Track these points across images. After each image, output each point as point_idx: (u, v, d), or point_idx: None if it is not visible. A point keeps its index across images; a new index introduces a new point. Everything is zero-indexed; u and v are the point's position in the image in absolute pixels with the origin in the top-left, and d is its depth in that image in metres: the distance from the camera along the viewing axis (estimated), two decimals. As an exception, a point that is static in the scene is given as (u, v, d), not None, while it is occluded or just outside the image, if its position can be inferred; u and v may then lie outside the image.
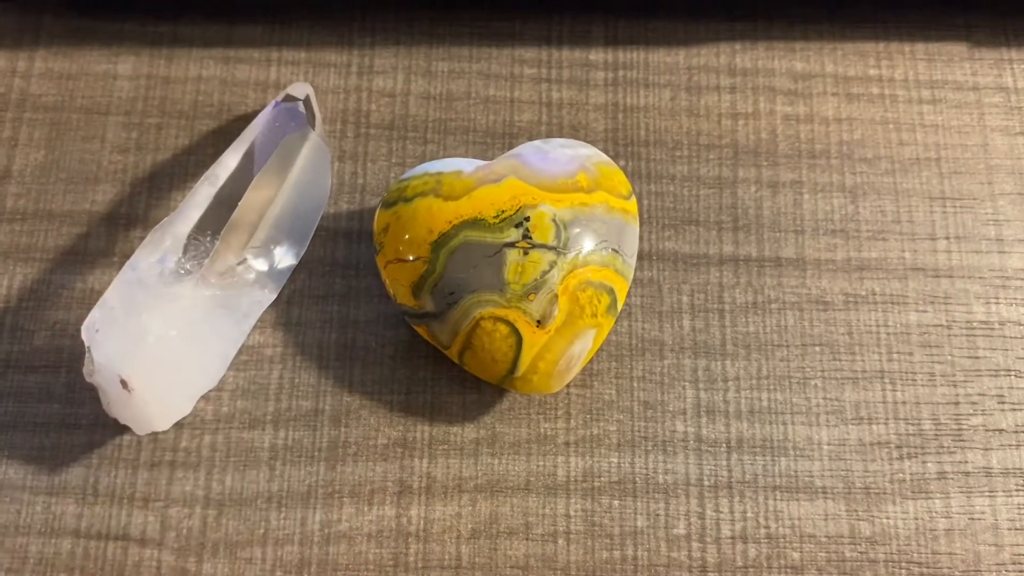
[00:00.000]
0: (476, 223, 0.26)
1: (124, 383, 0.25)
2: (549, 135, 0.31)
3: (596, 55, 0.32)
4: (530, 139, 0.31)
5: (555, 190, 0.26)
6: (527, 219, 0.26)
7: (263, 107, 0.30)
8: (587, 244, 0.26)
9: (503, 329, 0.26)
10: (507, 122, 0.31)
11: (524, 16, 0.32)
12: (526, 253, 0.26)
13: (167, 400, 0.26)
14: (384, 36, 0.32)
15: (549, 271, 0.26)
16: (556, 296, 0.26)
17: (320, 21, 0.32)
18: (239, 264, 0.27)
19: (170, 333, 0.25)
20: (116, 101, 0.31)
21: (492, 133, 0.31)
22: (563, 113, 0.31)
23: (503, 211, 0.26)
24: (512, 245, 0.26)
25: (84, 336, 0.26)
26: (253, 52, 0.32)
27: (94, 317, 0.25)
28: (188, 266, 0.26)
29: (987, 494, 0.27)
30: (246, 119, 0.31)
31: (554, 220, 0.26)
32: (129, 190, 0.30)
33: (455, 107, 0.31)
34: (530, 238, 0.26)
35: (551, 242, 0.26)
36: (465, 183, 0.27)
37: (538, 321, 0.26)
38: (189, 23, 0.32)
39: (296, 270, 0.29)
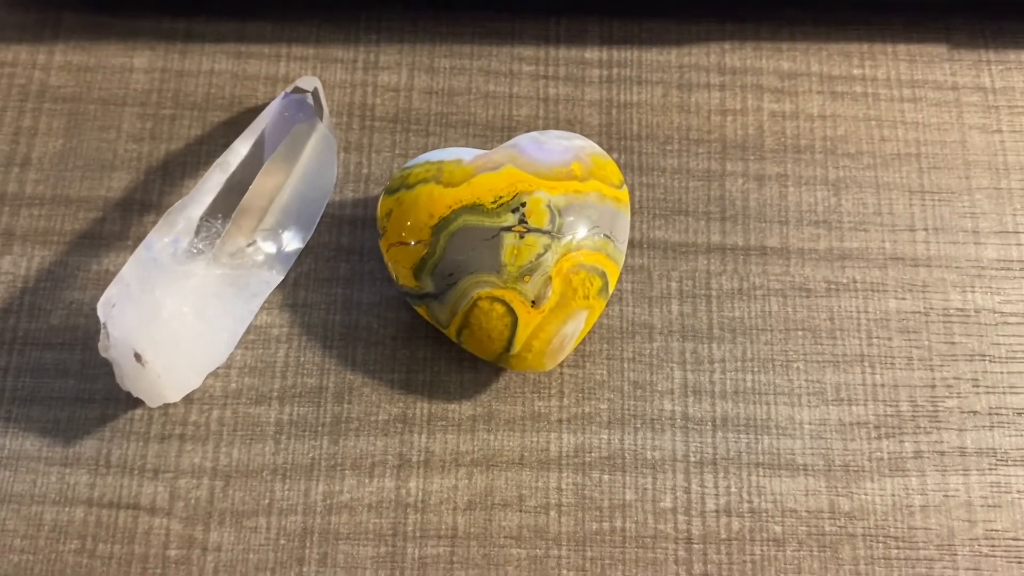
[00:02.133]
0: (475, 208, 0.27)
1: (138, 357, 0.26)
2: (546, 129, 0.32)
3: (591, 53, 0.33)
4: (528, 132, 0.32)
5: (550, 178, 0.28)
6: (523, 205, 0.27)
7: (272, 100, 0.32)
8: (580, 229, 0.27)
9: (499, 309, 0.27)
10: (506, 116, 0.33)
11: (523, 16, 0.34)
12: (522, 237, 0.27)
13: (178, 374, 0.27)
14: (389, 34, 0.34)
15: (544, 254, 0.27)
16: (550, 278, 0.27)
17: (328, 19, 0.34)
18: (249, 246, 0.28)
19: (183, 309, 0.27)
20: (132, 93, 0.33)
21: (491, 126, 0.32)
22: (559, 108, 0.33)
23: (500, 197, 0.27)
24: (509, 229, 0.27)
25: (100, 312, 0.27)
26: (264, 48, 0.33)
27: (110, 293, 0.27)
28: (200, 246, 0.27)
29: (961, 472, 0.29)
30: (256, 111, 0.32)
31: (549, 206, 0.27)
32: (143, 177, 0.32)
33: (456, 101, 0.33)
34: (526, 223, 0.27)
35: (546, 227, 0.27)
36: (465, 171, 0.28)
37: (533, 301, 0.27)
38: (203, 20, 0.34)
39: (302, 254, 0.30)
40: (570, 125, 0.32)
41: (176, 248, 0.27)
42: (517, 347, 0.27)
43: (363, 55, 0.33)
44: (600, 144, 0.32)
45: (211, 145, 0.32)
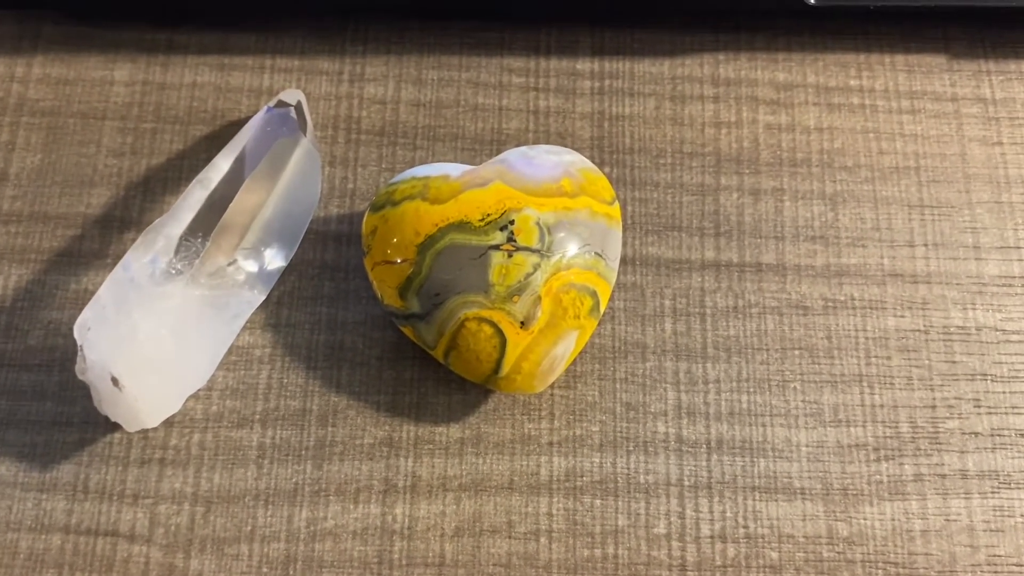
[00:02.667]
0: (462, 226, 0.26)
1: (115, 380, 0.26)
2: (536, 142, 0.32)
3: (583, 65, 0.33)
4: (517, 146, 0.31)
5: (540, 194, 0.27)
6: (512, 222, 0.26)
7: (255, 114, 0.31)
8: (570, 247, 0.27)
9: (487, 330, 0.26)
10: (495, 129, 0.32)
11: (513, 26, 0.33)
12: (510, 255, 0.26)
13: (157, 398, 0.26)
14: (376, 45, 0.33)
15: (533, 273, 0.26)
16: (539, 298, 0.26)
17: (313, 30, 0.33)
18: (229, 265, 0.28)
19: (160, 332, 0.26)
20: (112, 106, 0.32)
21: (480, 140, 0.32)
22: (550, 121, 0.32)
23: (488, 214, 0.27)
24: (497, 248, 0.26)
25: (76, 334, 0.26)
26: (247, 60, 0.33)
27: (86, 316, 0.26)
28: (179, 266, 0.27)
29: (963, 496, 0.28)
30: (239, 125, 0.31)
31: (538, 224, 0.26)
32: (123, 193, 0.31)
33: (444, 114, 0.32)
34: (514, 241, 0.26)
35: (535, 245, 0.26)
36: (452, 187, 0.27)
37: (522, 322, 0.26)
38: (185, 31, 0.33)
39: (286, 272, 0.30)
40: (561, 138, 0.32)
41: (154, 268, 0.26)
42: (506, 369, 0.26)
43: (349, 67, 0.33)
44: (592, 158, 0.31)
45: (193, 160, 0.31)
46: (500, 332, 0.26)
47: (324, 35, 0.33)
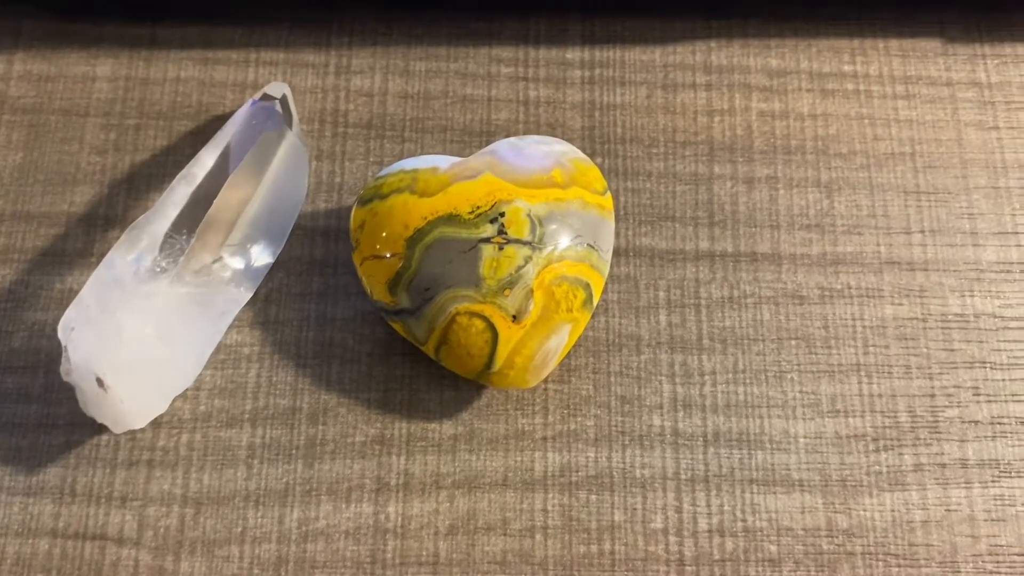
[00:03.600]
0: (451, 219, 0.26)
1: (100, 381, 0.25)
2: (526, 133, 0.31)
3: (573, 54, 0.32)
4: (507, 137, 0.31)
5: (530, 186, 0.26)
6: (502, 215, 0.26)
7: (241, 107, 0.30)
8: (562, 239, 0.26)
9: (479, 324, 0.26)
10: (484, 120, 0.31)
11: (501, 15, 0.33)
12: (501, 248, 0.26)
13: (143, 398, 0.26)
14: (362, 36, 0.32)
15: (524, 266, 0.26)
16: (531, 291, 0.26)
17: (298, 22, 0.32)
18: (215, 262, 0.27)
19: (145, 331, 0.25)
20: (95, 103, 0.32)
21: (469, 131, 0.31)
22: (540, 111, 0.31)
23: (478, 207, 0.26)
24: (487, 240, 0.26)
25: (60, 335, 0.26)
26: (231, 53, 0.32)
27: (69, 316, 0.26)
28: (164, 264, 0.26)
29: (963, 485, 0.27)
30: (224, 119, 0.31)
31: (529, 215, 0.26)
32: (107, 191, 0.30)
33: (432, 106, 0.31)
34: (505, 233, 0.26)
35: (526, 237, 0.26)
36: (440, 179, 0.27)
37: (514, 316, 0.26)
38: (168, 25, 0.32)
39: (274, 268, 0.29)
40: (551, 128, 0.31)
41: (139, 266, 0.26)
42: (498, 364, 0.26)
43: (335, 59, 0.32)
44: (583, 148, 0.31)
45: (177, 156, 0.31)
46: (492, 326, 0.26)
47: (309, 27, 0.32)
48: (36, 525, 0.27)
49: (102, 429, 0.28)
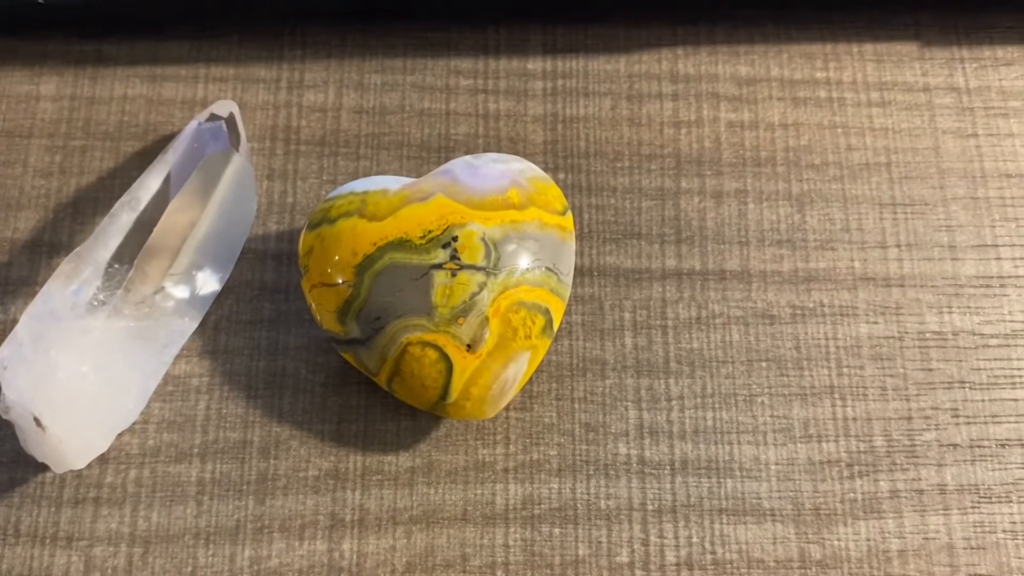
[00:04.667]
0: (402, 244, 0.25)
1: (37, 421, 0.24)
2: (486, 148, 0.30)
3: (534, 64, 0.31)
4: (467, 152, 0.30)
5: (485, 207, 0.25)
6: (455, 239, 0.25)
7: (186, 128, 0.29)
8: (519, 263, 0.25)
9: (432, 354, 0.25)
10: (443, 135, 0.30)
11: (460, 25, 0.31)
12: (454, 275, 0.25)
13: (82, 437, 0.25)
14: (315, 49, 0.31)
15: (479, 293, 0.25)
16: (487, 319, 0.25)
17: (249, 35, 0.31)
18: (156, 293, 0.26)
19: (82, 368, 0.24)
20: (39, 123, 0.30)
21: (427, 147, 0.30)
22: (500, 125, 0.30)
23: (430, 231, 0.25)
24: (439, 267, 0.25)
25: (-3, 371, 0.25)
26: (180, 69, 0.31)
27: (3, 353, 0.24)
28: (102, 297, 0.25)
29: (941, 512, 0.26)
30: (173, 139, 0.30)
31: (483, 239, 0.25)
32: (52, 216, 0.29)
33: (388, 121, 0.30)
34: (458, 259, 0.25)
35: (480, 262, 0.25)
36: (391, 202, 0.26)
37: (468, 345, 0.24)
38: (114, 41, 0.31)
39: (223, 295, 0.28)
40: (512, 143, 0.30)
41: (76, 299, 0.25)
42: (454, 395, 0.25)
43: (287, 73, 0.31)
44: (545, 163, 0.30)
45: (125, 178, 0.30)
46: (445, 356, 0.25)
47: (260, 41, 0.31)
48: (-22, 568, 0.26)
49: (47, 467, 0.27)
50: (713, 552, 0.26)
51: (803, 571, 0.26)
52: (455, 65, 0.31)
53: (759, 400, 0.27)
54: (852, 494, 0.26)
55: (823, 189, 0.29)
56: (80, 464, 0.25)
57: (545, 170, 0.29)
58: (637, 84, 0.31)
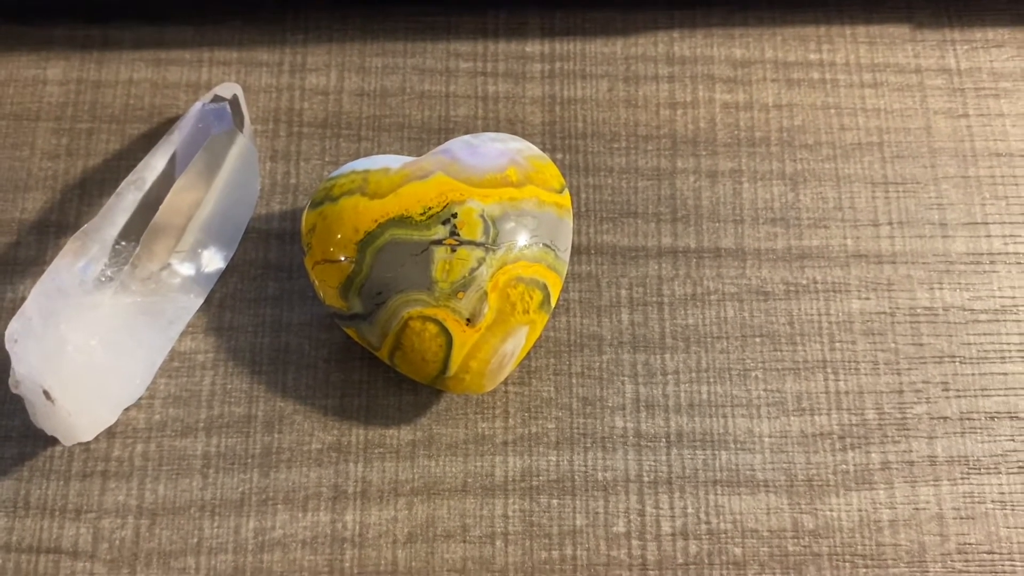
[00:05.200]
0: (402, 221, 0.25)
1: (47, 394, 0.25)
2: (485, 129, 0.31)
3: (532, 47, 0.31)
4: (466, 133, 0.30)
5: (483, 185, 0.26)
6: (454, 215, 0.25)
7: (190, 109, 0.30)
8: (517, 240, 0.26)
9: (432, 328, 0.25)
10: (443, 117, 0.31)
11: (459, 9, 0.32)
12: (453, 250, 0.25)
13: (91, 410, 0.25)
14: (317, 33, 0.32)
15: (478, 268, 0.25)
16: (486, 293, 0.25)
17: (252, 20, 0.32)
18: (162, 270, 0.27)
19: (90, 343, 0.25)
20: (46, 107, 0.31)
21: (427, 128, 0.31)
22: (499, 107, 0.31)
23: (430, 208, 0.25)
24: (439, 243, 0.25)
25: (7, 346, 0.25)
26: (184, 53, 0.31)
27: (13, 328, 0.25)
28: (109, 273, 0.26)
29: (932, 483, 0.27)
30: (178, 120, 0.30)
31: (482, 216, 0.25)
32: (60, 197, 0.30)
33: (389, 103, 0.31)
34: (457, 235, 0.25)
35: (479, 238, 0.25)
36: (392, 180, 0.26)
37: (468, 319, 0.25)
38: (119, 26, 0.32)
39: (227, 273, 0.29)
40: (511, 124, 0.30)
41: (84, 276, 0.25)
42: (453, 369, 0.25)
43: (289, 57, 0.31)
44: (543, 144, 0.30)
45: (131, 160, 0.30)
46: (445, 330, 0.25)
47: (263, 25, 0.32)
48: (-11, 540, 0.26)
49: (55, 440, 0.27)
50: (708, 522, 0.27)
51: (796, 540, 0.26)
52: (455, 48, 0.31)
53: (753, 374, 0.28)
54: (844, 466, 0.27)
55: (816, 168, 0.30)
56: (88, 437, 0.26)
57: (543, 151, 0.30)
58: (634, 66, 0.31)
